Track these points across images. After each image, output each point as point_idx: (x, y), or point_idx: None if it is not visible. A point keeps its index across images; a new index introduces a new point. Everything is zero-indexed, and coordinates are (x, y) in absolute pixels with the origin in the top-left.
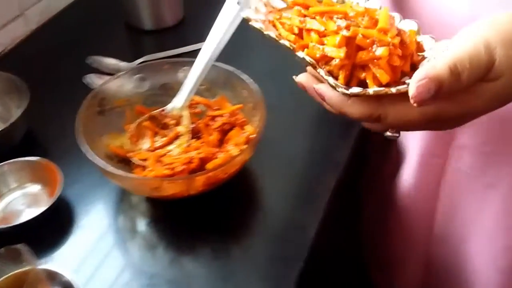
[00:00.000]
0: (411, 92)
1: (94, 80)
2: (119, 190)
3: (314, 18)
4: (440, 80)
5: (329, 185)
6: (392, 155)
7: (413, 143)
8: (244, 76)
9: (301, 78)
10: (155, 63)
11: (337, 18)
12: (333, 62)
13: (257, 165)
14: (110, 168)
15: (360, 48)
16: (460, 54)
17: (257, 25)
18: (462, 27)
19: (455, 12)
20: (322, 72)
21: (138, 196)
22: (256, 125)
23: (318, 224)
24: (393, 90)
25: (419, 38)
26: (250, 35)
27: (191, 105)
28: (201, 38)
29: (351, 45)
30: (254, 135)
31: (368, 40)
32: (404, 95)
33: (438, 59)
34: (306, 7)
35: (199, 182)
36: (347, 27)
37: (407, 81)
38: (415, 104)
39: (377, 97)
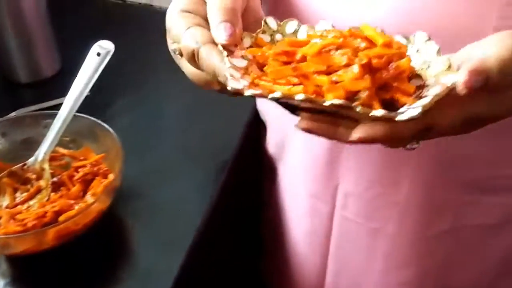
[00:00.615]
0: (463, 78)
1: None
2: None
3: (303, 61)
4: (488, 75)
5: (193, 228)
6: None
7: (298, 183)
8: (105, 126)
9: (309, 125)
10: (16, 118)
11: (330, 50)
12: (362, 95)
13: (127, 212)
14: None
15: (374, 70)
16: (505, 54)
17: (251, 92)
18: None
19: None
20: (360, 109)
21: None
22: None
23: (179, 269)
24: (434, 97)
25: None
26: (112, 84)
27: (56, 158)
28: None
29: (367, 70)
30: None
31: (383, 59)
32: (439, 102)
33: (487, 54)
34: (288, 54)
35: (50, 235)
36: (355, 55)
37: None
38: (463, 91)
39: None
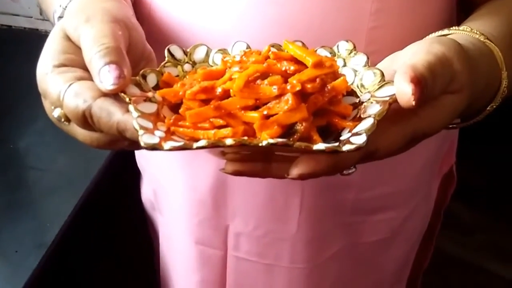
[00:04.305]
0: (409, 90)
1: None
2: None
3: (225, 96)
4: (425, 80)
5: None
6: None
7: (181, 232)
8: None
9: (238, 167)
10: None
11: (256, 79)
12: (298, 127)
13: None
14: None
15: (308, 95)
16: (432, 59)
17: (170, 145)
18: None
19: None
20: (299, 145)
21: None
22: None
23: None
24: (375, 117)
25: None
26: None
27: None
28: None
29: (301, 98)
30: None
31: (316, 82)
32: (380, 122)
33: (414, 61)
34: (206, 91)
35: None
36: (286, 81)
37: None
38: (412, 104)
39: None
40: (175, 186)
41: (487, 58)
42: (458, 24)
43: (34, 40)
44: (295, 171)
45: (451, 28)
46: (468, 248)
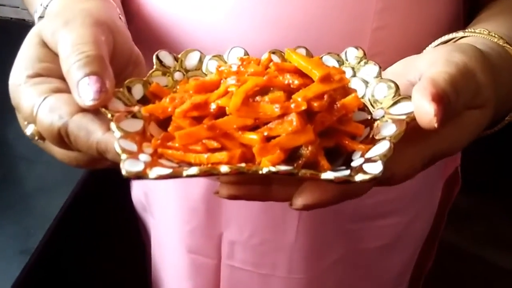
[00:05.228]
0: (432, 110)
1: None
2: None
3: (220, 112)
4: (448, 97)
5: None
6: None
7: (173, 239)
8: None
9: (234, 190)
10: None
11: (255, 95)
12: (304, 151)
13: None
14: None
15: (314, 113)
16: (453, 71)
17: (156, 173)
18: None
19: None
20: (304, 173)
21: None
22: None
23: None
24: (392, 140)
25: None
26: None
27: None
28: None
29: (305, 117)
30: None
31: (324, 99)
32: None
33: (432, 75)
34: (199, 107)
35: None
36: (289, 96)
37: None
38: (436, 124)
39: None
40: (165, 192)
41: (508, 64)
42: (465, 24)
43: (21, 30)
44: (299, 202)
45: (466, 30)
46: (466, 237)
